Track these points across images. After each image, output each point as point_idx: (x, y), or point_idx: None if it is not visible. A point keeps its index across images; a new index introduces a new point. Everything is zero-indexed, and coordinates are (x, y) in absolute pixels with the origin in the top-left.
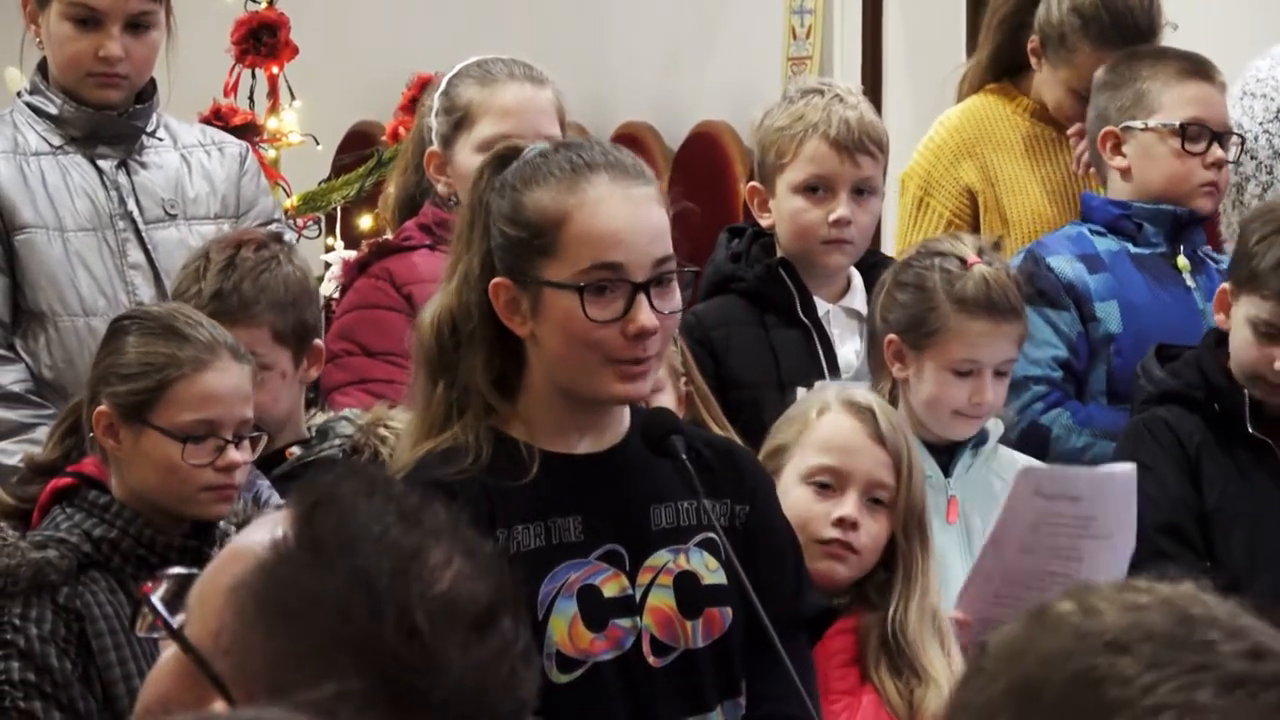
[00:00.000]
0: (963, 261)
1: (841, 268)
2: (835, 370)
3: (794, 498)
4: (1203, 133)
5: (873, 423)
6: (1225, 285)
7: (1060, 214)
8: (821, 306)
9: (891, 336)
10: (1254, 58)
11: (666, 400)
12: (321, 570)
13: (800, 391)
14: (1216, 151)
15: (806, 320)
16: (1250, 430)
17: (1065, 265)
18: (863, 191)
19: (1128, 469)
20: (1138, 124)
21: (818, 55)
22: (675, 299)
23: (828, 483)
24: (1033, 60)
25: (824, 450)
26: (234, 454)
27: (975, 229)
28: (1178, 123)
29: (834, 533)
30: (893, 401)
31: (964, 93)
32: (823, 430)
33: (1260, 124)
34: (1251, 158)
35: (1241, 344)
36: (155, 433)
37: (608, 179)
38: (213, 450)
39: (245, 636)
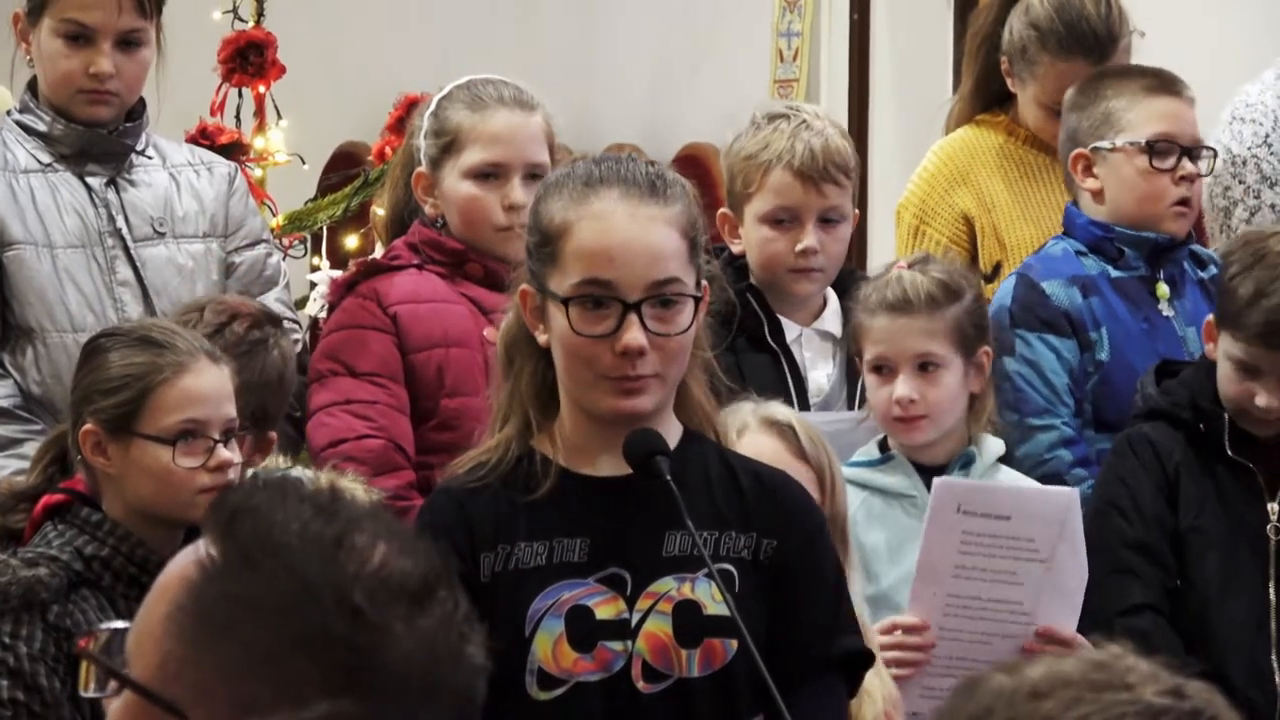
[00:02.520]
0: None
1: (811, 295)
2: (804, 395)
3: None
4: (1170, 148)
5: (794, 440)
6: (1211, 317)
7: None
8: (793, 330)
9: (856, 356)
10: (1244, 82)
11: None
12: (252, 576)
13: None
14: (1186, 166)
15: (775, 345)
16: (1230, 454)
17: (1060, 291)
18: (830, 220)
19: (1066, 493)
20: (1105, 144)
21: (804, 78)
22: (679, 321)
23: None
24: (1009, 83)
25: None
26: (224, 453)
27: (973, 255)
28: (1143, 140)
29: None
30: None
31: (951, 126)
32: (745, 452)
33: (1249, 149)
34: (1240, 182)
35: (1224, 378)
36: (144, 441)
37: (617, 195)
38: (203, 451)
39: (192, 658)
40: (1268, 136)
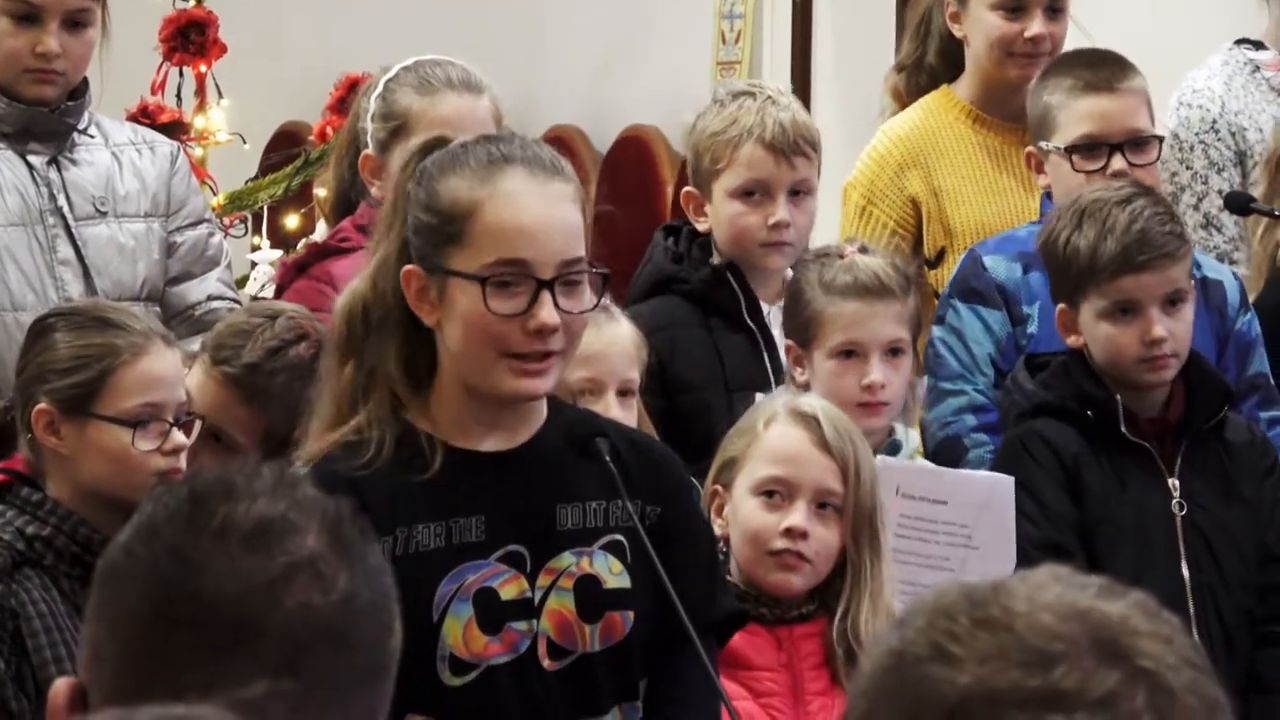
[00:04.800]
0: (840, 256)
1: (780, 269)
2: (779, 372)
3: (745, 509)
4: (1096, 149)
5: (818, 431)
6: (1060, 307)
7: (1004, 224)
8: (761, 309)
9: (788, 342)
10: (1191, 68)
11: (629, 417)
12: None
13: (757, 396)
14: (1116, 163)
15: (752, 323)
16: (1127, 435)
17: (999, 265)
18: (799, 193)
19: (1003, 479)
20: (1045, 145)
21: (747, 60)
22: (584, 299)
23: (777, 493)
24: (954, 29)
25: (772, 461)
26: (179, 436)
27: (919, 238)
28: (1063, 145)
29: (784, 543)
30: None
31: (902, 94)
32: (770, 441)
33: (1196, 134)
34: (1187, 168)
35: (1105, 345)
36: (102, 423)
37: (524, 173)
38: (159, 435)
39: (94, 628)
40: (1214, 122)
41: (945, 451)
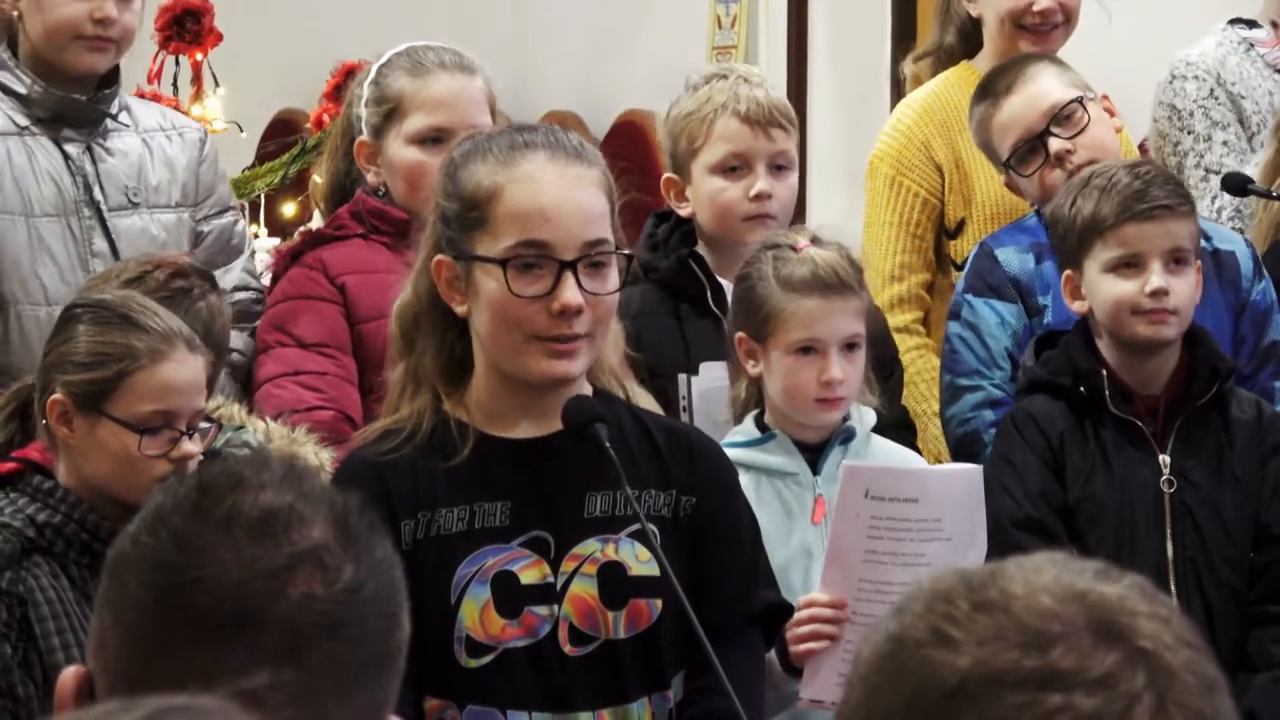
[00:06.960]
0: (793, 249)
1: None
2: None
3: None
4: (1030, 147)
5: None
6: (1066, 274)
7: (1021, 199)
8: (726, 294)
9: (739, 334)
10: (1177, 48)
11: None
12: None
13: (702, 370)
14: (1054, 145)
15: (717, 310)
16: (1115, 411)
17: (1012, 257)
18: (779, 167)
19: (971, 470)
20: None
21: (743, 44)
22: (609, 281)
23: None
24: (969, 7)
25: None
26: (188, 445)
27: (943, 208)
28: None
29: None
30: (758, 402)
31: (923, 82)
32: None
33: (1194, 101)
34: (1188, 133)
35: (1107, 298)
36: (111, 423)
37: (544, 157)
38: (167, 442)
39: (100, 616)
40: (1213, 90)
41: (964, 448)
